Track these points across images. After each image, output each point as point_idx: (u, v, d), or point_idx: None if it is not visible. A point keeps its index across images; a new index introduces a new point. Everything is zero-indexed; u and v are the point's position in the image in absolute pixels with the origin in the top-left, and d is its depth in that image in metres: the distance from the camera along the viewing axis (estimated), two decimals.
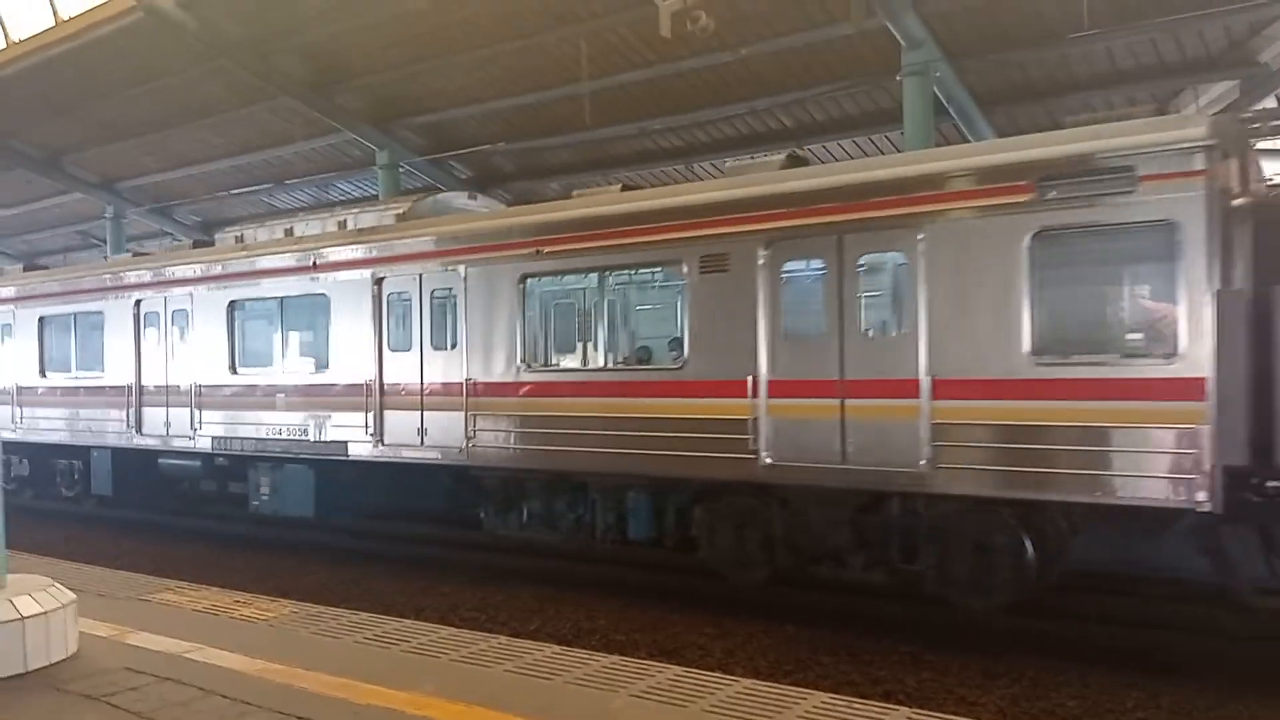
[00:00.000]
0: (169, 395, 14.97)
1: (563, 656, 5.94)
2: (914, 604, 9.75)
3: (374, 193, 24.37)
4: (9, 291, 18.09)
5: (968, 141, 16.34)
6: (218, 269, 14.49)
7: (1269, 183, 8.57)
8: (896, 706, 4.97)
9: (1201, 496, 7.53)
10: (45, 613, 5.81)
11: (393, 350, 12.40)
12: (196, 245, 16.29)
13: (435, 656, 5.96)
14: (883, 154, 18.17)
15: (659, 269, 10.81)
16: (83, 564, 9.81)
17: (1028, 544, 8.60)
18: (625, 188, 11.26)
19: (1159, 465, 7.72)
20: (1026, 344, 8.25)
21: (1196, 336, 7.59)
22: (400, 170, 23.32)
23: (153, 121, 24.11)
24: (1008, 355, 8.32)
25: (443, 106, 21.56)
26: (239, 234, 14.99)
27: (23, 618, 5.68)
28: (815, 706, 4.93)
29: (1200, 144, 7.65)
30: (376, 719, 4.85)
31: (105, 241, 30.53)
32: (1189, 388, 7.58)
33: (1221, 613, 8.60)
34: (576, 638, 9.31)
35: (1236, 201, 8.05)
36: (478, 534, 12.46)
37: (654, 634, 9.57)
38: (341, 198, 27.27)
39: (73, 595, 6.18)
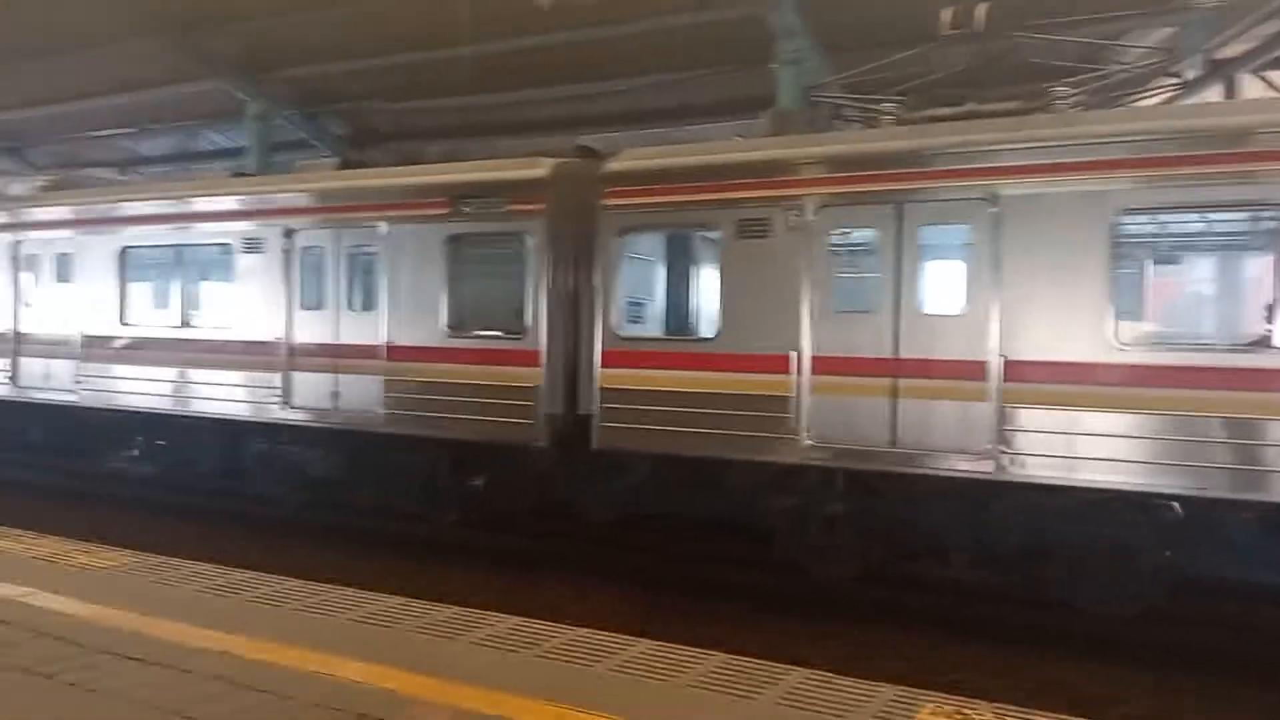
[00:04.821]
0: None
1: (406, 607, 6.08)
2: (767, 573, 10.27)
3: (244, 144, 23.52)
4: None
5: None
6: None
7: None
8: (712, 652, 5.31)
9: (538, 436, 10.32)
10: None
11: (26, 305, 14.61)
12: None
13: (278, 605, 6.02)
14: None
15: (220, 246, 12.82)
16: None
17: (480, 475, 11.25)
18: (344, 165, 12.99)
19: (518, 413, 10.35)
20: (444, 320, 10.91)
21: (536, 320, 10.35)
22: (274, 124, 22.57)
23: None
24: (433, 328, 10.95)
25: (319, 60, 20.94)
26: None
27: None
28: (641, 651, 5.24)
29: (541, 179, 10.33)
30: (211, 662, 4.90)
31: None
32: (531, 357, 10.34)
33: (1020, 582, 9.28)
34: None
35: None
36: (340, 496, 12.68)
37: (512, 598, 9.76)
38: (210, 147, 26.23)
39: None
